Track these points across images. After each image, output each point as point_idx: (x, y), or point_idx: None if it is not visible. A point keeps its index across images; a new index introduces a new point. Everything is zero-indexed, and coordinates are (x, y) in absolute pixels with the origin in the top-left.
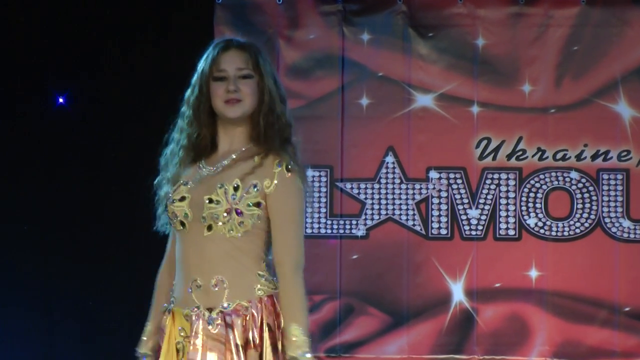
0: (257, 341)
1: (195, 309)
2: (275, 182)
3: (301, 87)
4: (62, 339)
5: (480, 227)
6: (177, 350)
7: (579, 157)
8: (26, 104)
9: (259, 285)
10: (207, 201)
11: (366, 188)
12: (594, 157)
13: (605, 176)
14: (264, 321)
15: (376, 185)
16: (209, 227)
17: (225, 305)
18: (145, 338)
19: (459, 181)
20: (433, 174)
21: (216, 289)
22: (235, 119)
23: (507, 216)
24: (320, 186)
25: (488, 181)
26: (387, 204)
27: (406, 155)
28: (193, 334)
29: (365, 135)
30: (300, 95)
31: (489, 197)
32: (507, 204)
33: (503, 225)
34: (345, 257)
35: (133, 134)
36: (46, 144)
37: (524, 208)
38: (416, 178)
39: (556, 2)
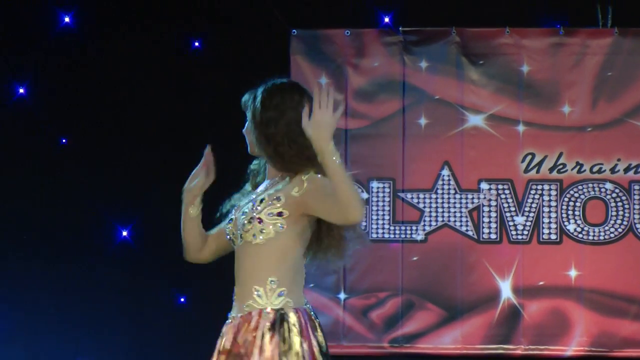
0: (232, 351)
1: (241, 315)
2: (306, 184)
3: (366, 109)
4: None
5: (525, 232)
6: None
7: (613, 170)
8: None
9: (248, 302)
10: (241, 214)
11: (425, 198)
12: (626, 170)
13: (637, 187)
14: (238, 335)
15: (433, 195)
16: (241, 237)
17: (234, 315)
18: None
19: (507, 191)
20: (484, 185)
21: (235, 298)
22: (254, 154)
23: (550, 222)
24: (384, 196)
25: (532, 191)
26: (443, 211)
27: (460, 168)
28: (238, 336)
29: (424, 151)
30: (365, 116)
31: (533, 205)
32: (550, 211)
33: (546, 230)
34: (406, 258)
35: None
36: None
37: (564, 215)
38: (469, 189)
39: (592, 32)
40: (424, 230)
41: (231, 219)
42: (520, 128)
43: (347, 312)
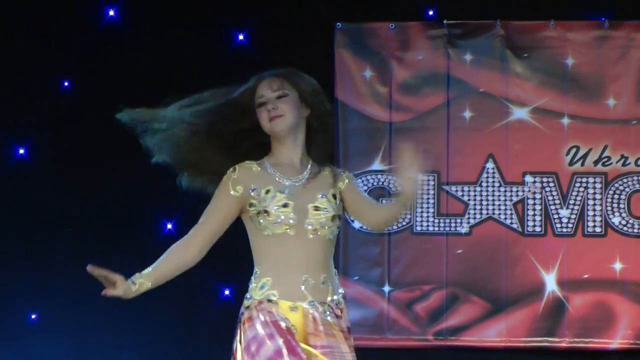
0: (347, 331)
1: (311, 304)
2: (346, 180)
3: (411, 102)
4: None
5: (570, 225)
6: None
7: None
8: None
9: (339, 284)
10: (313, 209)
11: (469, 190)
12: None
13: None
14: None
15: (478, 188)
16: (315, 231)
17: (331, 299)
18: (132, 281)
19: (552, 184)
20: (528, 178)
21: (324, 285)
22: (281, 132)
23: (594, 215)
24: (428, 189)
25: (577, 184)
26: (487, 204)
27: (504, 161)
28: (316, 323)
29: (468, 144)
30: (410, 109)
31: (578, 198)
32: (594, 204)
33: (590, 223)
34: (450, 251)
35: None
36: None
37: (609, 208)
38: (513, 182)
39: (637, 25)
40: (468, 223)
41: (286, 204)
42: (565, 121)
43: (392, 305)
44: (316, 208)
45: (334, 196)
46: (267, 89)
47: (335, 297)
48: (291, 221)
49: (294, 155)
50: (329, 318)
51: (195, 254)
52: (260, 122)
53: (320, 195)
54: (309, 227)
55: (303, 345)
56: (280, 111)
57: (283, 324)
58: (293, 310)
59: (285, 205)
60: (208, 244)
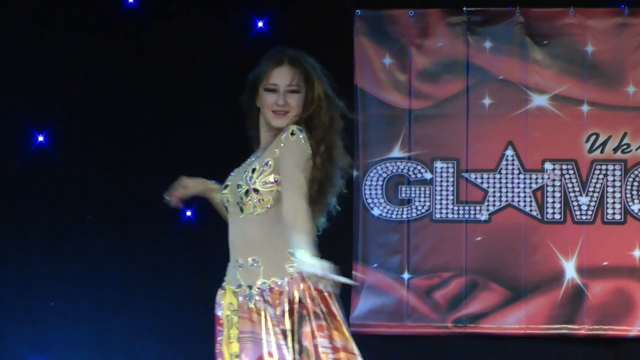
0: (289, 313)
1: (239, 287)
2: (282, 145)
3: (430, 89)
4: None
5: (589, 212)
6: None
7: None
8: None
9: (289, 263)
10: (237, 187)
11: (488, 178)
12: None
13: None
14: (294, 295)
15: (497, 176)
16: (241, 210)
17: (261, 282)
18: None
19: (571, 172)
20: (548, 165)
21: (253, 267)
22: (278, 128)
23: (614, 202)
24: (447, 176)
25: (597, 172)
26: (507, 192)
27: (524, 148)
28: (239, 307)
29: (488, 131)
30: (429, 96)
31: (598, 185)
32: (614, 191)
33: (610, 211)
34: (470, 238)
35: None
36: None
37: (628, 195)
38: (533, 169)
39: None
40: (487, 210)
41: (226, 185)
42: (585, 108)
43: (411, 292)
44: (238, 186)
45: (254, 170)
46: (282, 78)
47: (267, 281)
48: (227, 202)
49: (269, 139)
50: (252, 304)
51: None
52: (261, 102)
53: (245, 173)
54: (237, 206)
55: (228, 332)
56: (287, 107)
57: (219, 313)
58: (234, 294)
59: (225, 187)
60: None
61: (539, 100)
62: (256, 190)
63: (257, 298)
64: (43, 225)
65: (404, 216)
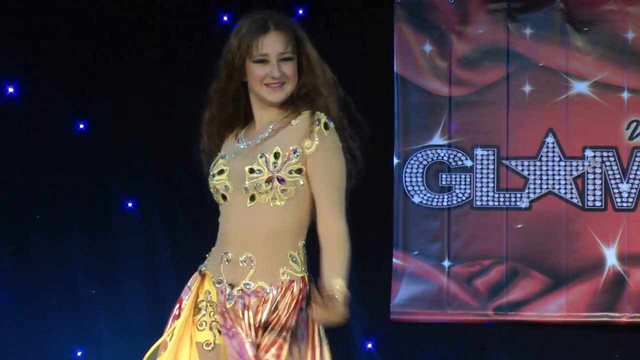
0: (270, 324)
1: (219, 283)
2: (317, 141)
3: (471, 76)
4: None
5: (630, 200)
6: (199, 309)
7: None
8: None
9: (284, 269)
10: (248, 171)
11: (529, 165)
12: None
13: None
14: (276, 306)
15: (538, 163)
16: (252, 198)
17: (247, 284)
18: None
19: (612, 159)
20: (588, 153)
21: (244, 265)
22: (276, 103)
23: None
24: (488, 164)
25: (637, 159)
26: (547, 179)
27: (564, 136)
28: (217, 302)
29: (528, 119)
30: (470, 83)
31: (639, 173)
32: None
33: None
34: (510, 226)
35: None
36: None
37: None
38: (573, 156)
39: None
40: (528, 197)
41: (221, 170)
42: (625, 95)
43: (452, 279)
44: (251, 170)
45: (276, 155)
46: (272, 46)
47: (252, 284)
48: (225, 189)
49: (273, 115)
50: (230, 304)
51: None
52: (249, 76)
53: (259, 155)
54: (247, 193)
55: (198, 318)
56: (283, 78)
57: (185, 297)
58: (213, 285)
59: (220, 172)
60: None
61: (580, 87)
62: (281, 180)
63: (237, 300)
64: (83, 212)
65: (445, 203)
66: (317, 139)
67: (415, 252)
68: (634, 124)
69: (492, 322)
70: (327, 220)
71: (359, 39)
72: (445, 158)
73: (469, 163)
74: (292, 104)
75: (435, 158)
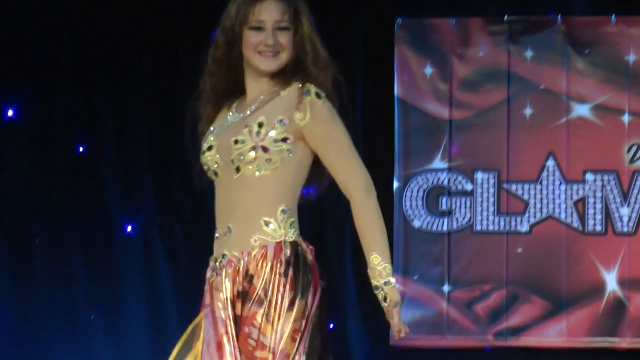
0: (247, 294)
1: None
2: (309, 113)
3: (471, 98)
4: None
5: (631, 224)
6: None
7: None
8: None
9: (257, 235)
10: (233, 142)
11: (529, 189)
12: None
13: None
14: (248, 273)
15: (538, 186)
16: (237, 169)
17: (224, 255)
18: None
19: (612, 182)
20: (589, 176)
21: (224, 237)
22: (269, 72)
23: None
24: (488, 187)
25: (638, 182)
26: (548, 203)
27: (565, 159)
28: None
29: (529, 142)
30: (470, 105)
31: (639, 196)
32: None
33: None
34: (510, 250)
35: None
36: None
37: None
38: (574, 180)
39: None
40: (528, 221)
41: (210, 146)
42: (626, 118)
43: (452, 304)
44: (236, 142)
45: (260, 124)
46: (270, 13)
47: (227, 254)
48: (215, 165)
49: (264, 87)
50: (212, 279)
51: None
52: (244, 43)
53: (244, 126)
54: (233, 164)
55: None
56: (278, 47)
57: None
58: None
59: (209, 148)
60: None
61: (580, 110)
62: (265, 149)
63: (219, 272)
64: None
65: (445, 227)
66: (309, 110)
67: (415, 277)
68: (635, 147)
69: (492, 348)
70: (353, 197)
71: (359, 60)
72: (446, 182)
73: (469, 187)
74: (283, 76)
75: (435, 182)
